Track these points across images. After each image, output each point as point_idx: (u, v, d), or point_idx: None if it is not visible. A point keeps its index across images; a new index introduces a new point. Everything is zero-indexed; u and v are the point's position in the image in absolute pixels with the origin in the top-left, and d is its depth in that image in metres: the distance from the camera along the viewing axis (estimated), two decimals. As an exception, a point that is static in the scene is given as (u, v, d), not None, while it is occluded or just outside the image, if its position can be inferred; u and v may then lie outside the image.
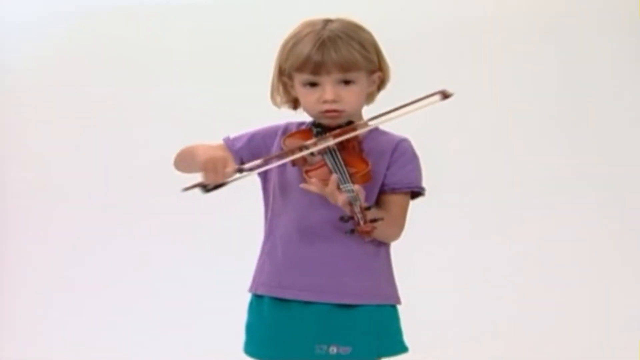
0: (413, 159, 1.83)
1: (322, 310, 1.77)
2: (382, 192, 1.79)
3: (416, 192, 1.83)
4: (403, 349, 1.83)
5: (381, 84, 1.86)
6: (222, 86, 3.55)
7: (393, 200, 1.78)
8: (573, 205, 3.47)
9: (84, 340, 3.50)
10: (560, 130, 3.49)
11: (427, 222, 3.34)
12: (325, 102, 1.76)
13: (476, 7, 3.51)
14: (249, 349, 1.86)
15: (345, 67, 1.74)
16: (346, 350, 1.74)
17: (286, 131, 1.85)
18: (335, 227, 1.72)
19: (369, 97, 1.86)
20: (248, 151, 1.85)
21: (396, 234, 1.80)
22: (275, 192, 1.84)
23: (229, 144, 1.88)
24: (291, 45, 1.78)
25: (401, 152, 1.81)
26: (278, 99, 1.87)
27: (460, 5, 3.53)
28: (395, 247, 1.87)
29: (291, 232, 1.80)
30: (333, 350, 1.75)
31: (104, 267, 3.61)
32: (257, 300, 1.84)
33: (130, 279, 3.56)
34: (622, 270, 3.43)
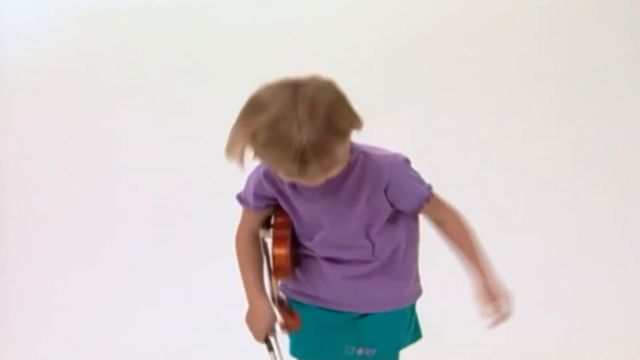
0: (407, 175, 1.77)
1: (349, 317, 1.84)
2: (413, 212, 1.82)
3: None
4: (417, 336, 1.95)
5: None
6: (222, 86, 3.55)
7: (428, 209, 1.82)
8: (572, 205, 3.48)
9: (84, 340, 3.51)
10: (560, 131, 3.50)
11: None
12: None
13: (476, 7, 3.52)
14: (292, 350, 1.93)
15: (327, 169, 1.59)
16: (371, 351, 1.83)
17: (267, 176, 1.77)
18: (354, 247, 1.79)
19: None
20: (261, 200, 1.81)
21: (459, 220, 1.89)
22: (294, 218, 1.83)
23: (246, 207, 1.85)
24: (266, 141, 1.56)
25: (395, 178, 1.74)
26: (236, 158, 1.64)
27: (461, 4, 3.54)
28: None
29: (319, 252, 1.82)
30: (360, 351, 1.83)
31: (104, 267, 3.61)
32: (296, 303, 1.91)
33: (129, 279, 3.57)
34: (622, 269, 3.43)
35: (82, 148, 3.67)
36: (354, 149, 1.72)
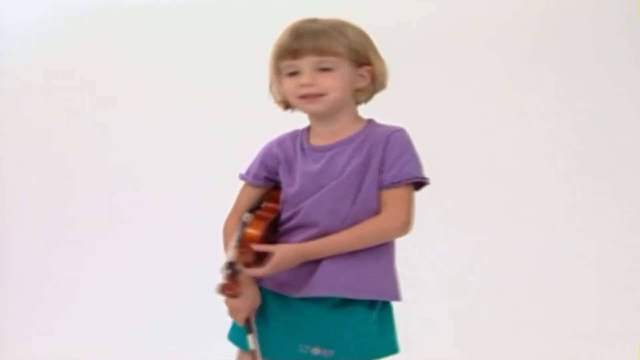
0: (407, 148, 1.79)
1: (312, 311, 1.77)
2: (382, 188, 1.77)
3: (420, 182, 1.80)
4: (391, 350, 1.81)
5: (375, 80, 1.83)
6: (223, 86, 3.55)
7: (390, 196, 1.75)
8: (570, 206, 3.48)
9: (83, 339, 3.51)
10: (559, 130, 3.50)
11: (423, 221, 3.36)
12: (302, 85, 1.77)
13: (475, 6, 3.52)
14: (234, 335, 1.89)
15: (320, 50, 1.75)
16: (329, 353, 1.75)
17: (280, 143, 1.88)
18: (332, 213, 1.77)
19: (361, 93, 1.84)
20: (265, 169, 1.89)
21: (396, 230, 1.76)
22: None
23: (246, 178, 1.92)
24: (277, 40, 1.81)
25: (393, 143, 1.77)
26: (272, 97, 1.89)
27: (464, 4, 3.54)
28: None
29: (295, 220, 1.82)
30: (316, 351, 1.75)
31: (103, 266, 3.62)
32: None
33: (128, 278, 3.57)
34: (622, 269, 3.43)
35: (82, 148, 3.67)
36: (367, 120, 1.84)
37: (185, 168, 3.58)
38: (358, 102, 1.86)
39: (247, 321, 1.83)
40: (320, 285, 1.74)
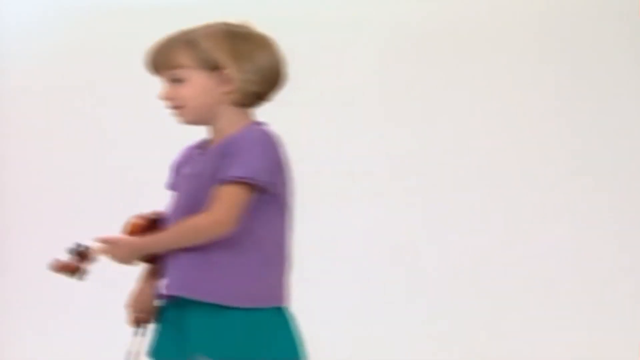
0: (250, 148, 1.68)
1: (196, 318, 1.70)
2: (214, 184, 1.68)
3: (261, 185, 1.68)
4: (294, 356, 1.72)
5: (248, 83, 1.74)
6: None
7: (216, 193, 1.65)
8: (570, 206, 3.48)
9: (83, 339, 3.51)
10: (559, 131, 3.50)
11: (423, 221, 3.36)
12: (162, 99, 1.80)
13: (477, 7, 3.52)
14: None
15: (166, 64, 1.78)
16: None
17: (188, 148, 1.90)
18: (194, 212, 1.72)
19: (237, 96, 1.75)
20: (172, 180, 1.89)
21: (209, 229, 1.66)
22: None
23: (167, 185, 1.90)
24: None
25: (237, 142, 1.69)
26: None
27: (463, 4, 3.54)
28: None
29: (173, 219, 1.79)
30: None
31: (103, 267, 3.61)
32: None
33: (129, 278, 3.56)
34: (622, 269, 3.43)
35: (82, 147, 3.67)
36: (251, 122, 1.76)
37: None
38: (248, 104, 1.78)
39: (138, 322, 1.81)
40: (169, 286, 1.73)
